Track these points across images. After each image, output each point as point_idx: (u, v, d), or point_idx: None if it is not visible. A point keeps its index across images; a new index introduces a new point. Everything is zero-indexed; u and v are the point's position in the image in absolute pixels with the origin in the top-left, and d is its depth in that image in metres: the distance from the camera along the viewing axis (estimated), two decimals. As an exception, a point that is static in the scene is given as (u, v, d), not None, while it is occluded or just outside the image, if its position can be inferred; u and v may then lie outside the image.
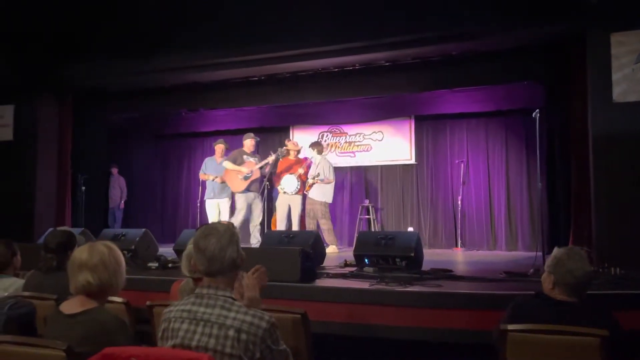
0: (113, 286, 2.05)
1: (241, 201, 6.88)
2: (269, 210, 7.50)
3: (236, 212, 6.92)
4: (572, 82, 5.71)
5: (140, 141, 9.72)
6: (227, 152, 7.41)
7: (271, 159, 6.98)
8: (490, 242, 7.82)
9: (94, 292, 2.01)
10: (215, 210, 7.19)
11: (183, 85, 7.42)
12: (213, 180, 7.17)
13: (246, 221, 6.87)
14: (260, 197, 6.94)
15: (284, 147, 7.43)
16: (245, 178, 6.86)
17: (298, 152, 7.48)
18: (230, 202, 7.24)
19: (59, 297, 2.74)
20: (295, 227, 7.05)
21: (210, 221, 6.95)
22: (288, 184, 7.14)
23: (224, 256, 1.85)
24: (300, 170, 7.17)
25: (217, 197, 7.16)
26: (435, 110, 8.05)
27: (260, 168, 6.93)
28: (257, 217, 6.89)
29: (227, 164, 6.96)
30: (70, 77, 7.27)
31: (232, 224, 1.97)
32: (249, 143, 7.08)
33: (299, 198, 7.13)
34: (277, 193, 7.34)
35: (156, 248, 5.52)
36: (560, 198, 6.18)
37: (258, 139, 7.35)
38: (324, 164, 7.51)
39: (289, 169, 7.25)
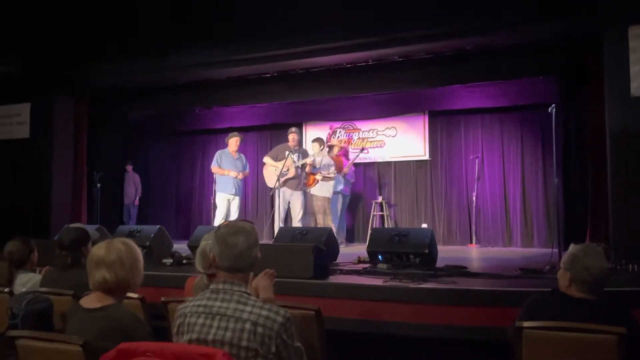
0: (130, 283, 2.07)
1: (276, 198, 6.96)
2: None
3: (276, 207, 7.03)
4: (588, 76, 5.63)
5: (155, 138, 9.80)
6: (242, 146, 7.43)
7: (310, 159, 7.06)
8: (506, 238, 7.76)
9: (111, 289, 2.04)
10: (226, 206, 7.03)
11: (197, 83, 7.45)
12: (236, 177, 7.05)
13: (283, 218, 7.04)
14: (302, 194, 7.06)
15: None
16: (282, 176, 6.92)
17: (341, 148, 7.44)
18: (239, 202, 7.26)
19: (75, 293, 2.78)
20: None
21: (219, 216, 6.98)
22: (324, 185, 7.16)
23: (250, 255, 1.90)
24: (345, 170, 7.14)
25: (236, 193, 7.09)
26: (449, 105, 7.99)
27: (300, 167, 7.02)
28: (297, 214, 7.00)
29: (267, 159, 7.16)
30: (87, 76, 7.35)
31: (253, 224, 2.00)
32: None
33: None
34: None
35: (170, 244, 5.56)
36: (576, 194, 6.11)
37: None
38: (327, 160, 7.53)
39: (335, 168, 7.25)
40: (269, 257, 4.11)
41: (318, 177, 7.32)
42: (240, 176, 7.13)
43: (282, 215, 7.04)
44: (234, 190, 7.08)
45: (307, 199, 7.40)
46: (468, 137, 8.19)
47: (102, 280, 2.03)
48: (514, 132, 7.92)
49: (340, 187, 7.62)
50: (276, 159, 7.11)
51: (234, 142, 7.23)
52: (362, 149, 8.41)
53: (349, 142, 8.77)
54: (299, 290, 3.87)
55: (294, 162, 6.98)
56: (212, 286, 1.91)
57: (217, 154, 7.23)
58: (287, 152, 7.01)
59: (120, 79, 7.33)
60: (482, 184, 7.96)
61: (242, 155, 7.41)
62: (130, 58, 6.97)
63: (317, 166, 7.36)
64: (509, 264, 5.16)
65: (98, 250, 2.07)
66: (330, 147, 7.47)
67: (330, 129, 8.95)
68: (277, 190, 6.91)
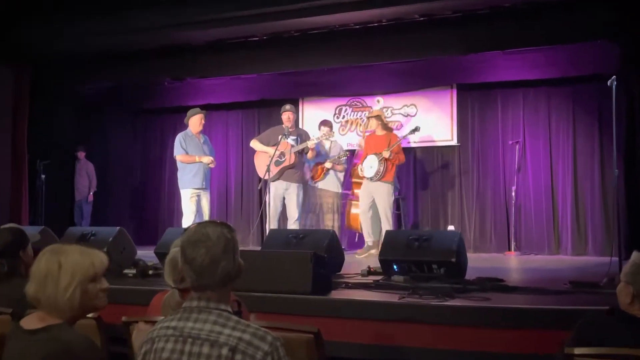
0: (62, 306, 2.04)
1: (271, 192, 6.97)
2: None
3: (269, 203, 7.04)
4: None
5: (115, 118, 9.79)
6: (214, 127, 7.39)
7: (312, 143, 7.03)
8: (553, 244, 7.77)
9: (44, 308, 2.05)
10: (195, 203, 6.96)
11: (166, 49, 7.43)
12: (208, 164, 7.00)
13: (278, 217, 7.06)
14: (300, 188, 7.04)
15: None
16: (277, 164, 6.90)
17: (381, 122, 7.24)
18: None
19: (14, 310, 2.77)
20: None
21: (189, 217, 6.92)
22: (368, 165, 7.07)
23: (216, 270, 1.87)
24: (386, 153, 6.92)
25: (206, 186, 7.09)
26: (483, 77, 7.97)
27: (300, 153, 7.00)
28: (293, 214, 6.99)
29: (255, 143, 7.17)
30: (27, 41, 7.32)
31: (229, 226, 1.95)
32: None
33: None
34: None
35: (134, 251, 5.56)
36: (642, 188, 6.11)
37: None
38: (338, 148, 7.54)
39: (375, 147, 7.10)
40: (257, 268, 4.12)
41: (327, 165, 7.32)
42: (214, 163, 7.14)
43: (275, 214, 7.03)
44: (203, 184, 7.04)
45: (313, 194, 7.42)
46: (506, 117, 8.17)
47: (32, 297, 2.05)
48: (564, 111, 7.90)
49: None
50: (268, 144, 7.10)
51: (197, 120, 7.09)
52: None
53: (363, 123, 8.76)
54: (294, 309, 3.88)
55: (292, 146, 6.96)
56: (185, 304, 1.92)
57: (180, 137, 7.12)
58: (279, 136, 7.01)
59: (70, 42, 7.30)
60: (523, 175, 7.95)
61: (207, 137, 7.42)
62: (83, 17, 6.94)
63: (328, 154, 7.36)
64: (557, 275, 5.16)
65: (37, 259, 2.09)
66: (377, 119, 7.21)
67: (334, 108, 8.95)
68: (266, 183, 6.91)
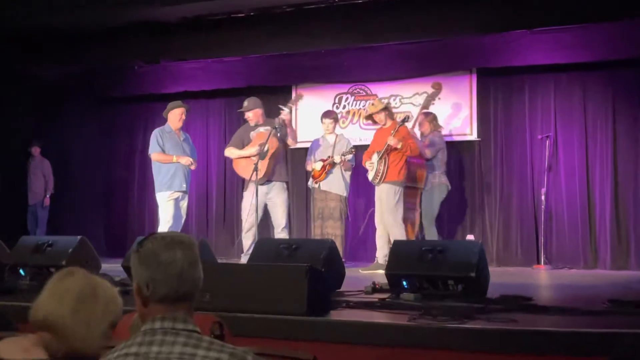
0: (80, 341, 2.07)
1: (250, 196, 6.94)
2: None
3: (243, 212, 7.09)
4: None
5: (76, 108, 9.78)
6: (193, 118, 7.39)
7: (285, 113, 7.00)
8: (589, 256, 7.79)
9: (44, 336, 2.07)
10: (173, 208, 7.03)
11: (137, 27, 7.43)
12: (190, 165, 7.09)
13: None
14: (284, 187, 7.07)
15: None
16: (263, 157, 6.91)
17: (387, 112, 7.25)
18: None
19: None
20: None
21: (165, 225, 6.99)
22: (369, 167, 7.17)
23: (195, 274, 1.92)
24: (391, 140, 6.93)
25: (185, 190, 7.16)
26: (507, 61, 8.00)
27: (276, 130, 6.98)
28: (280, 220, 7.00)
29: (230, 151, 7.22)
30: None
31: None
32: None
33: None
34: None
35: (98, 264, 5.57)
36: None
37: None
38: (345, 143, 7.54)
39: (379, 142, 7.13)
40: (243, 284, 4.12)
41: (337, 158, 7.32)
42: (194, 165, 7.19)
43: (253, 223, 6.99)
44: (183, 186, 7.10)
45: (313, 197, 7.41)
46: (535, 107, 8.19)
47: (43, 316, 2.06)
48: (602, 100, 7.92)
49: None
50: (242, 145, 7.14)
51: (177, 115, 7.18)
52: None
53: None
54: (286, 332, 3.87)
55: (276, 128, 6.93)
56: (145, 326, 1.90)
57: (156, 133, 7.19)
58: (250, 133, 7.07)
59: (23, 18, 7.29)
60: (554, 176, 7.97)
61: (188, 135, 7.49)
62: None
63: (333, 150, 7.36)
64: (594, 293, 5.17)
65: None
66: (386, 111, 7.23)
67: (334, 96, 8.95)
68: (249, 185, 6.96)
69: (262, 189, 6.98)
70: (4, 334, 2.13)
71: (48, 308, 2.05)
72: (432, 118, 7.69)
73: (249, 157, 7.05)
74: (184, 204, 7.16)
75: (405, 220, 7.13)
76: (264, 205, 7.07)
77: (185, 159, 7.06)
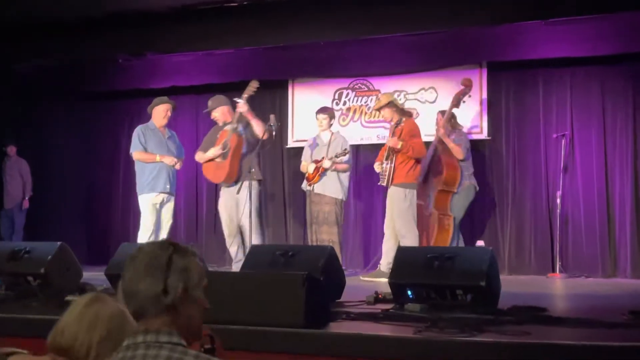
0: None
1: (219, 200, 7.06)
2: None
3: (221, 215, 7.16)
4: None
5: (55, 104, 9.78)
6: (181, 115, 7.43)
7: (241, 101, 6.99)
8: (608, 264, 7.79)
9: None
10: (154, 213, 7.12)
11: (121, 17, 7.42)
12: (174, 165, 7.15)
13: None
14: (255, 187, 7.00)
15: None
16: (224, 157, 6.95)
17: (396, 108, 7.32)
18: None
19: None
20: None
21: (146, 231, 7.08)
22: (377, 169, 7.25)
23: (137, 291, 1.94)
24: (391, 141, 7.04)
25: (170, 192, 7.20)
26: (519, 54, 8.00)
27: (241, 130, 7.02)
28: (247, 226, 6.93)
29: (199, 156, 7.25)
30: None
31: (174, 244, 2.03)
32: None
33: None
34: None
35: (79, 272, 5.55)
36: None
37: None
38: (340, 142, 7.52)
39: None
40: (235, 294, 4.11)
41: (326, 164, 7.29)
42: (179, 165, 7.23)
43: (233, 232, 7.12)
44: (167, 187, 7.13)
45: (307, 201, 7.41)
46: (549, 104, 8.19)
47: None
48: (621, 96, 7.92)
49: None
50: (212, 147, 7.21)
51: (162, 111, 7.23)
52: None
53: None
54: (282, 346, 3.87)
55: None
56: (127, 341, 1.92)
57: (139, 130, 7.26)
58: (218, 133, 7.15)
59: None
60: (571, 178, 7.98)
61: (175, 133, 7.54)
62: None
63: (327, 149, 7.38)
64: (613, 304, 5.19)
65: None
66: (390, 107, 7.26)
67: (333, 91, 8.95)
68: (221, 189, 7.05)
69: (231, 190, 7.04)
70: (11, 350, 2.17)
71: (75, 334, 2.09)
72: (448, 117, 7.45)
73: (213, 159, 7.12)
74: (169, 207, 7.17)
75: (436, 226, 7.02)
76: (236, 206, 7.07)
77: (169, 159, 7.10)
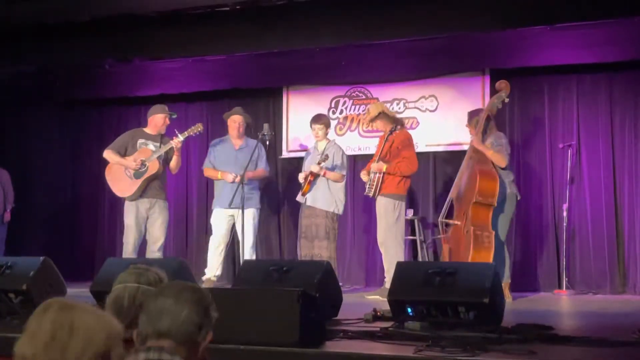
0: None
1: (128, 214, 7.33)
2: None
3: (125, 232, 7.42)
4: None
5: (38, 112, 9.77)
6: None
7: (177, 140, 7.27)
8: (617, 280, 7.79)
9: None
10: (227, 224, 7.58)
11: (107, 21, 7.42)
12: (234, 181, 7.40)
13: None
14: (165, 206, 7.40)
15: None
16: (137, 176, 7.22)
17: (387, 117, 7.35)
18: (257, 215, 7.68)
19: None
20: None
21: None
22: (364, 176, 7.29)
23: (176, 315, 2.08)
24: (375, 165, 7.12)
25: (236, 205, 7.29)
26: (524, 60, 8.03)
27: (163, 158, 7.32)
28: (156, 238, 7.32)
29: (109, 155, 7.43)
30: None
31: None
32: (158, 120, 7.49)
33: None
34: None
35: (63, 288, 5.52)
36: None
37: (174, 115, 7.66)
38: (334, 150, 7.51)
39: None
40: (227, 311, 4.09)
41: (313, 168, 7.33)
42: (238, 178, 7.39)
43: (135, 243, 7.44)
44: (228, 202, 7.43)
45: (301, 214, 7.50)
46: (555, 112, 8.21)
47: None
48: (630, 104, 7.95)
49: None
50: (124, 151, 7.48)
51: (234, 124, 7.79)
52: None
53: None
54: (276, 365, 3.87)
55: (153, 152, 7.28)
56: (128, 358, 1.96)
57: (212, 146, 7.89)
58: (139, 142, 7.40)
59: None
60: (577, 189, 7.99)
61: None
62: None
63: (321, 157, 7.41)
64: (623, 322, 5.18)
65: None
66: (382, 118, 7.29)
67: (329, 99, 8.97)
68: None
69: (144, 203, 7.32)
70: None
71: (22, 347, 2.08)
72: (476, 121, 7.01)
73: (122, 166, 7.33)
74: (247, 217, 7.44)
75: (471, 244, 6.46)
76: (145, 220, 7.36)
77: (238, 177, 7.37)
